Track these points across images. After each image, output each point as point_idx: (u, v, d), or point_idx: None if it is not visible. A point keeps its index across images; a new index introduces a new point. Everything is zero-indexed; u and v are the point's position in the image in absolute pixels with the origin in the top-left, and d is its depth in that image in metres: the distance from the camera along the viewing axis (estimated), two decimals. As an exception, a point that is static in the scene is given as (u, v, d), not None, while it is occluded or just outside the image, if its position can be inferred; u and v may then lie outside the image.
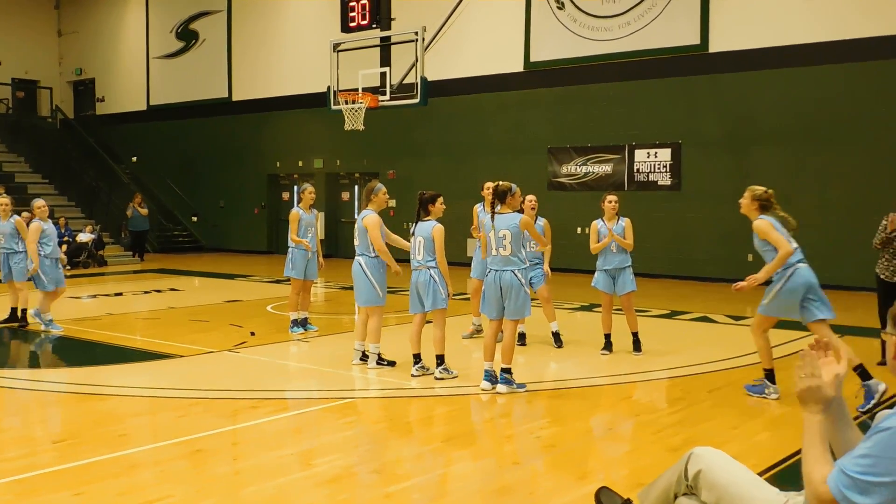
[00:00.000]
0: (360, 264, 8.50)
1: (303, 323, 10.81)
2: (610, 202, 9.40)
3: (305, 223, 10.71)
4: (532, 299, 7.95)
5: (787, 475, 5.21)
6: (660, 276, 17.56)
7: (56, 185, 25.39)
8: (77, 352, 10.28)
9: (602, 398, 7.80)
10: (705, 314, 12.70)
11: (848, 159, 15.63)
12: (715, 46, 17.11)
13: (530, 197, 9.66)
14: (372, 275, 8.45)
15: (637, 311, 12.20)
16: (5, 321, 11.50)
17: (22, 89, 29.82)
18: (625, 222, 9.36)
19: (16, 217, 11.64)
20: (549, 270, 9.88)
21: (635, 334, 9.42)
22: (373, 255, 8.49)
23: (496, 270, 7.61)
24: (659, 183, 17.95)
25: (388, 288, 8.83)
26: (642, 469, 5.48)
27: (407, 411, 7.37)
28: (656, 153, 17.95)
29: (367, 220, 8.45)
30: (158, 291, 15.89)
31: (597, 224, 9.44)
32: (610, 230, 9.26)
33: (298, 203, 10.90)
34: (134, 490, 5.04)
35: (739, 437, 6.22)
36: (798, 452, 5.61)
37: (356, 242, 8.57)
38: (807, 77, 16.04)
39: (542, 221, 9.74)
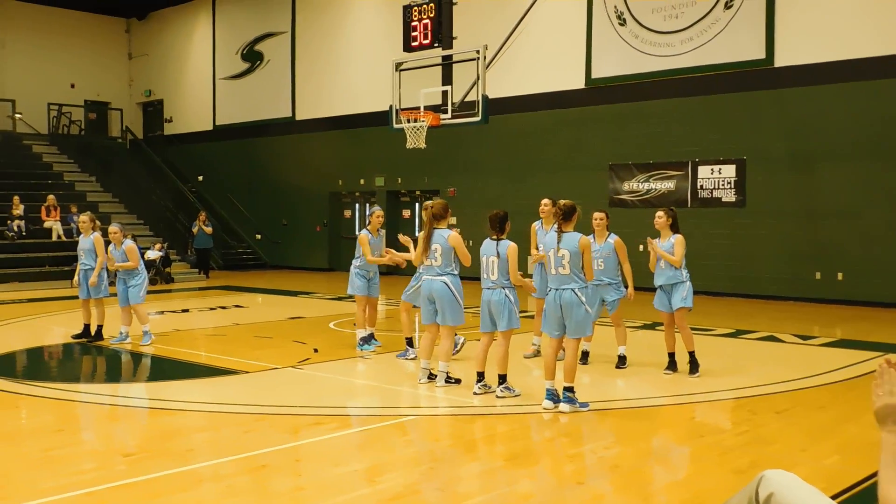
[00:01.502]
0: (448, 284, 8.43)
1: (368, 338, 10.90)
2: (656, 218, 9.31)
3: (372, 247, 10.76)
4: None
5: (859, 500, 5.08)
6: (723, 294, 17.28)
7: (125, 204, 26.06)
8: (146, 367, 10.51)
9: (666, 418, 7.69)
10: (771, 333, 12.45)
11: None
12: (780, 61, 16.86)
13: (597, 214, 9.60)
14: (458, 293, 8.45)
15: (700, 329, 12.13)
16: (78, 336, 11.80)
17: (94, 111, 30.76)
18: (675, 238, 9.21)
19: (95, 234, 11.89)
20: (632, 292, 9.53)
21: (691, 354, 9.22)
22: (456, 272, 8.49)
23: (556, 289, 7.59)
24: (723, 199, 17.70)
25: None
26: (707, 492, 5.39)
27: (469, 429, 7.37)
28: (720, 169, 17.72)
29: (453, 240, 8.42)
30: (223, 308, 16.17)
31: (651, 241, 9.35)
32: (652, 244, 9.14)
33: (367, 225, 10.96)
34: (201, 504, 5.13)
35: (808, 459, 6.08)
36: (872, 477, 5.47)
37: (435, 262, 8.52)
38: (876, 91, 15.70)
39: (612, 239, 9.56)
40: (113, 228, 11.53)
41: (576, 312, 7.49)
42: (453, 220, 21.19)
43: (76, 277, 11.78)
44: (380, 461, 6.22)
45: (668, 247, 9.17)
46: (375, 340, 11.01)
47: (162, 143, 30.47)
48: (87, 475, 5.68)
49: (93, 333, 11.72)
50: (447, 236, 8.45)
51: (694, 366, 9.19)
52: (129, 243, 11.40)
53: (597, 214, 9.53)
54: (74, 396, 8.55)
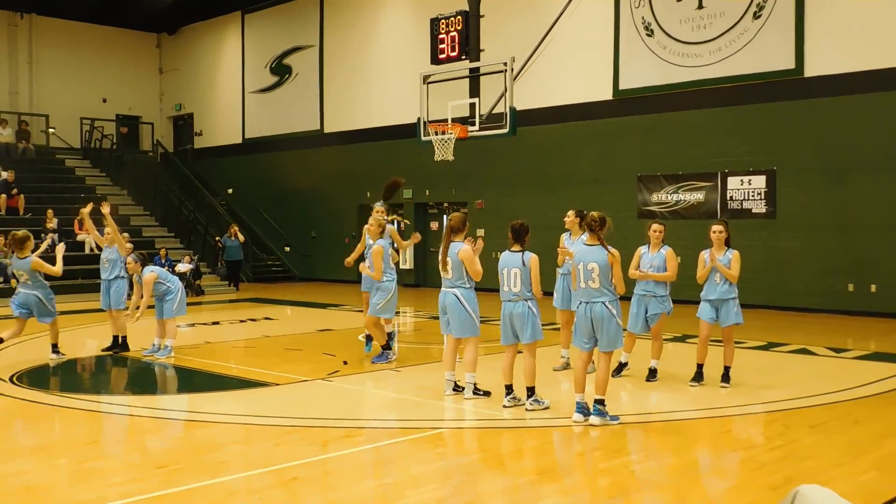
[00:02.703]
0: (458, 297, 8.49)
1: (388, 343, 11.05)
2: (715, 233, 9.23)
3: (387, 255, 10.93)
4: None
5: (897, 517, 5.00)
6: (754, 306, 17.05)
7: (156, 217, 26.30)
8: (177, 379, 10.59)
9: (699, 432, 7.62)
10: (804, 346, 12.31)
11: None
12: (811, 71, 16.72)
13: (655, 226, 9.55)
14: (470, 306, 8.47)
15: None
16: (107, 349, 11.92)
17: (125, 125, 31.14)
18: (732, 254, 9.16)
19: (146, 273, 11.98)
20: (644, 274, 9.40)
21: (728, 367, 9.20)
22: (468, 286, 8.51)
23: (586, 303, 7.55)
24: (753, 211, 17.56)
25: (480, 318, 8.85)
26: (742, 507, 5.34)
27: (498, 443, 7.35)
28: (750, 181, 17.58)
29: (463, 254, 8.46)
30: (253, 320, 16.26)
31: (703, 254, 9.25)
32: (713, 258, 9.09)
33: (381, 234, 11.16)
34: (233, 517, 5.15)
35: (845, 475, 5.99)
36: (909, 493, 5.39)
37: (449, 275, 8.58)
38: (909, 101, 15.51)
39: (664, 251, 9.44)
40: (129, 260, 11.62)
41: (607, 326, 7.46)
42: (481, 233, 21.23)
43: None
44: (409, 475, 6.22)
45: (726, 262, 9.10)
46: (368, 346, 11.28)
47: (192, 156, 30.78)
48: (121, 487, 5.73)
49: (118, 344, 11.84)
50: (458, 250, 8.47)
51: (727, 377, 9.14)
52: (145, 274, 11.39)
53: (654, 226, 9.52)
54: (107, 409, 8.63)
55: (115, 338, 11.93)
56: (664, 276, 9.26)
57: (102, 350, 11.96)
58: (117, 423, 8.11)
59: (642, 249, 9.51)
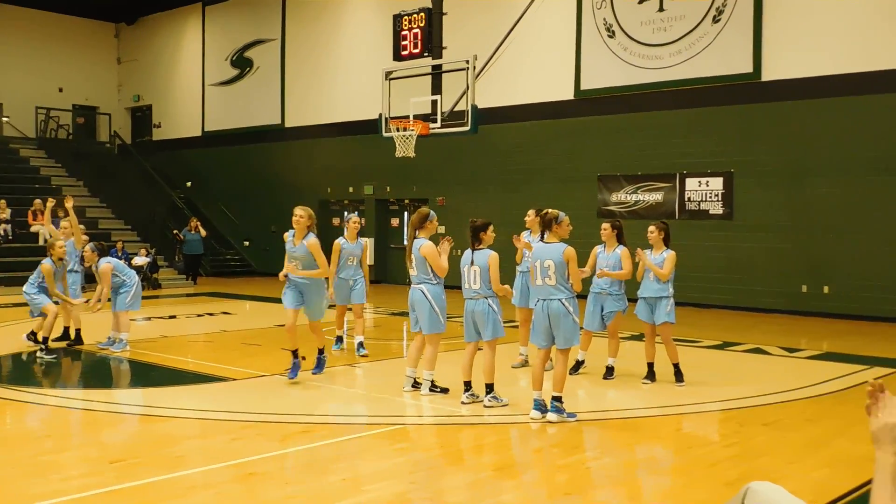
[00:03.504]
0: (424, 293, 8.48)
1: (358, 346, 10.99)
2: (649, 233, 9.39)
3: (347, 253, 10.97)
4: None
5: (846, 512, 5.11)
6: (711, 306, 17.35)
7: (113, 209, 25.95)
8: (133, 373, 10.46)
9: (655, 429, 7.71)
10: (759, 345, 12.51)
11: (906, 190, 15.36)
12: (768, 75, 16.98)
13: (604, 225, 9.64)
14: (436, 303, 8.47)
15: (688, 341, 12.19)
16: (58, 339, 11.70)
17: (82, 115, 30.65)
18: (667, 254, 9.29)
19: (71, 240, 11.85)
20: (602, 272, 9.39)
21: (676, 365, 9.32)
22: (435, 282, 8.51)
23: (544, 300, 7.61)
24: (710, 212, 17.79)
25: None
26: (697, 503, 5.42)
27: (457, 439, 7.37)
28: (708, 182, 17.81)
29: (425, 249, 8.47)
30: (211, 315, 16.12)
31: (641, 252, 9.40)
32: (641, 255, 9.21)
33: (345, 233, 11.16)
34: (190, 512, 5.11)
35: (796, 472, 6.11)
36: (858, 489, 5.52)
37: (413, 272, 8.59)
38: (864, 106, 15.82)
39: (619, 250, 9.47)
40: (87, 248, 11.48)
41: (564, 323, 7.51)
42: (441, 229, 21.23)
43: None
44: (368, 470, 6.22)
45: (660, 261, 9.23)
46: (363, 349, 11.04)
47: (150, 148, 30.39)
48: (76, 481, 5.66)
49: (72, 337, 11.67)
50: (419, 246, 8.49)
51: (679, 376, 9.26)
52: (101, 265, 11.26)
53: (604, 225, 9.60)
54: (62, 402, 8.51)
55: (67, 329, 11.77)
56: (621, 273, 9.35)
57: (54, 341, 11.76)
58: (72, 418, 8.01)
59: (598, 249, 9.59)
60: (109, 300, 11.30)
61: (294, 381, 9.12)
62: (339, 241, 11.04)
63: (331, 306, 10.53)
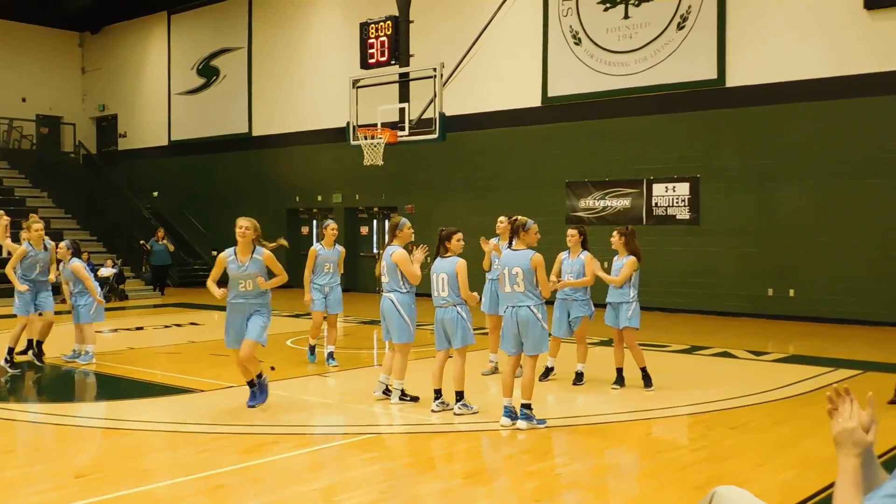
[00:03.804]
0: (393, 301, 8.46)
1: (328, 357, 10.88)
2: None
3: (323, 259, 10.83)
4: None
5: (813, 514, 5.15)
6: (679, 310, 17.49)
7: (78, 220, 25.65)
8: (99, 386, 10.32)
9: (624, 434, 7.74)
10: (726, 349, 12.61)
11: (870, 193, 15.57)
12: (732, 81, 17.17)
13: (570, 231, 9.68)
14: (405, 312, 8.43)
15: (656, 346, 12.27)
16: (22, 352, 11.50)
17: (46, 125, 30.27)
18: (584, 256, 9.39)
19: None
20: (565, 282, 9.40)
21: (642, 369, 9.38)
22: (404, 291, 8.47)
23: (512, 307, 7.62)
24: (677, 217, 17.94)
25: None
26: (666, 507, 5.45)
27: (428, 447, 7.35)
28: (674, 187, 17.96)
29: (397, 256, 8.45)
30: (179, 326, 15.97)
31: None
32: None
33: (320, 240, 11.03)
34: (157, 526, 5.04)
35: (764, 474, 6.15)
36: (823, 491, 5.57)
37: (384, 279, 8.57)
38: (825, 111, 16.04)
39: (584, 255, 9.50)
40: (62, 245, 11.33)
41: (532, 330, 7.52)
42: (412, 238, 21.19)
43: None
44: (338, 480, 6.18)
45: (619, 266, 9.33)
46: (333, 360, 10.93)
47: (116, 158, 30.09)
48: (39, 497, 5.56)
49: (35, 349, 11.48)
50: (391, 253, 8.47)
51: (647, 380, 9.31)
52: (73, 263, 11.16)
53: (570, 231, 9.64)
54: (24, 417, 8.38)
55: (30, 342, 11.59)
56: (583, 281, 9.38)
57: (19, 354, 11.57)
58: (35, 432, 7.88)
59: (563, 255, 9.63)
60: (69, 313, 11.15)
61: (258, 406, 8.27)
62: (316, 248, 10.87)
63: (306, 315, 10.46)
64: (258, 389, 8.34)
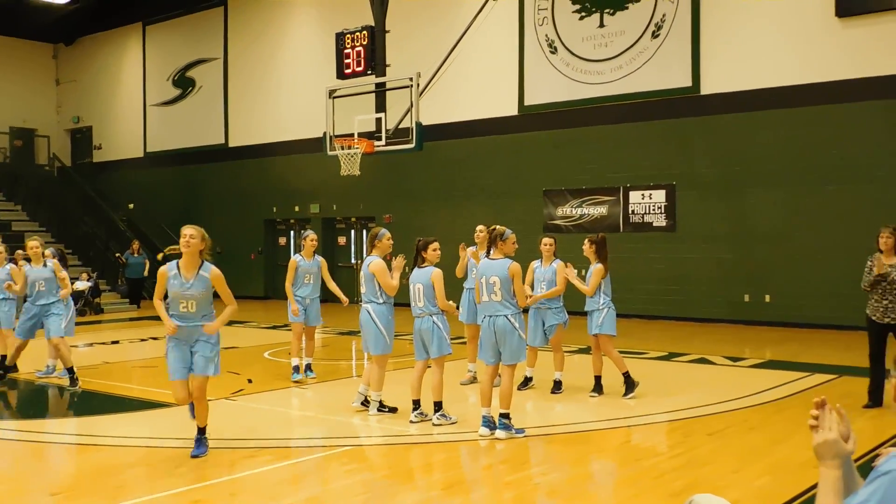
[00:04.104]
0: (369, 312, 8.45)
1: (306, 368, 10.78)
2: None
3: (303, 271, 10.68)
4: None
5: (789, 520, 5.18)
6: (657, 317, 17.56)
7: (53, 233, 25.41)
8: (73, 401, 10.21)
9: (602, 442, 7.76)
10: (703, 356, 12.68)
11: (842, 199, 15.73)
12: (707, 88, 17.31)
13: (546, 240, 9.70)
14: (381, 322, 8.41)
15: (634, 353, 12.32)
16: None
17: (20, 138, 29.99)
18: (556, 264, 9.43)
19: (11, 265, 11.57)
20: (536, 297, 9.51)
21: (624, 374, 9.35)
22: (381, 301, 8.46)
23: (490, 316, 7.62)
24: (654, 224, 18.03)
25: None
26: (643, 515, 5.46)
27: (406, 458, 7.33)
28: (651, 195, 18.06)
29: (374, 266, 8.44)
30: (155, 339, 15.83)
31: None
32: (568, 274, 9.33)
33: (299, 251, 10.89)
34: (132, 543, 4.99)
35: (740, 481, 6.18)
36: (798, 497, 5.60)
37: (363, 290, 8.56)
38: (799, 118, 16.20)
39: (556, 264, 9.55)
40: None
41: (510, 339, 7.53)
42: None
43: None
44: (316, 494, 6.16)
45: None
46: (311, 372, 10.85)
47: (91, 170, 29.85)
48: (11, 516, 5.49)
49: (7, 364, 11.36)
50: (368, 263, 8.47)
51: (629, 387, 9.32)
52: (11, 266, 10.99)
53: (545, 240, 9.67)
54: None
55: (3, 357, 11.46)
56: (554, 291, 9.40)
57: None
58: (7, 448, 7.77)
59: (535, 264, 9.64)
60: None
61: (199, 456, 6.95)
62: (296, 259, 10.67)
63: (283, 326, 10.34)
64: (196, 444, 7.01)
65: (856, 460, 3.28)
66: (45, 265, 10.75)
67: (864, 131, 15.58)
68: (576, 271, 9.48)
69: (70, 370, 10.56)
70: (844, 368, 11.02)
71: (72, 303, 11.37)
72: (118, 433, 8.14)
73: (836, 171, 15.83)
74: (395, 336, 8.67)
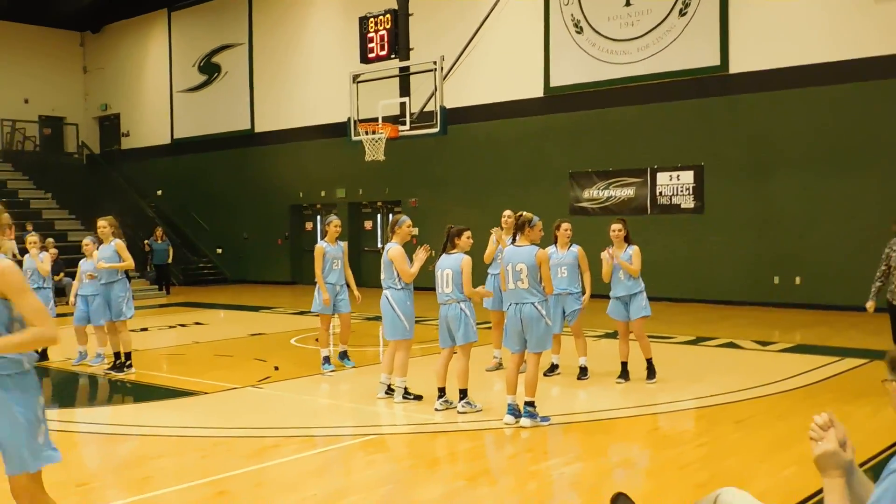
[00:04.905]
0: (388, 298, 8.48)
1: (341, 356, 10.68)
2: (614, 231, 9.40)
3: (331, 257, 10.48)
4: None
5: (816, 512, 5.10)
6: (683, 300, 17.41)
7: (82, 221, 25.64)
8: (101, 390, 10.32)
9: (627, 431, 7.70)
10: (731, 339, 12.55)
11: (876, 180, 15.46)
12: (735, 67, 17.05)
13: (566, 225, 9.62)
14: (399, 308, 8.42)
15: (661, 337, 12.23)
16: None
17: (49, 126, 30.29)
18: (633, 249, 9.32)
19: (44, 254, 11.74)
20: (587, 300, 9.58)
21: (649, 361, 9.37)
22: (399, 287, 8.45)
23: (516, 304, 7.57)
24: (682, 206, 17.85)
25: (416, 319, 8.79)
26: (668, 507, 5.41)
27: (431, 448, 7.32)
28: (678, 176, 17.87)
29: (392, 253, 8.45)
30: (183, 326, 15.98)
31: (548, 251, 9.47)
32: (615, 255, 9.24)
33: (324, 237, 10.78)
34: (156, 536, 5.03)
35: (767, 471, 6.10)
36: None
37: (382, 276, 8.57)
38: (830, 97, 15.92)
39: (575, 248, 9.57)
40: (86, 241, 11.28)
41: (536, 327, 7.48)
42: (415, 231, 21.17)
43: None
44: (340, 484, 6.16)
45: (627, 258, 9.26)
46: (348, 360, 10.75)
47: (119, 158, 30.09)
48: (38, 509, 5.53)
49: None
50: (387, 249, 8.49)
51: (651, 372, 9.30)
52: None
53: (564, 224, 9.58)
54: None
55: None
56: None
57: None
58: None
59: (551, 250, 9.46)
60: (70, 315, 11.07)
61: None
62: (322, 245, 10.39)
63: (308, 312, 10.24)
64: None
65: (866, 462, 3.22)
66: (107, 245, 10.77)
67: (897, 109, 15.27)
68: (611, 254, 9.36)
69: (128, 355, 10.67)
70: (876, 353, 10.84)
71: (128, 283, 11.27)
72: (145, 422, 8.21)
73: (867, 151, 15.55)
74: (418, 321, 8.64)
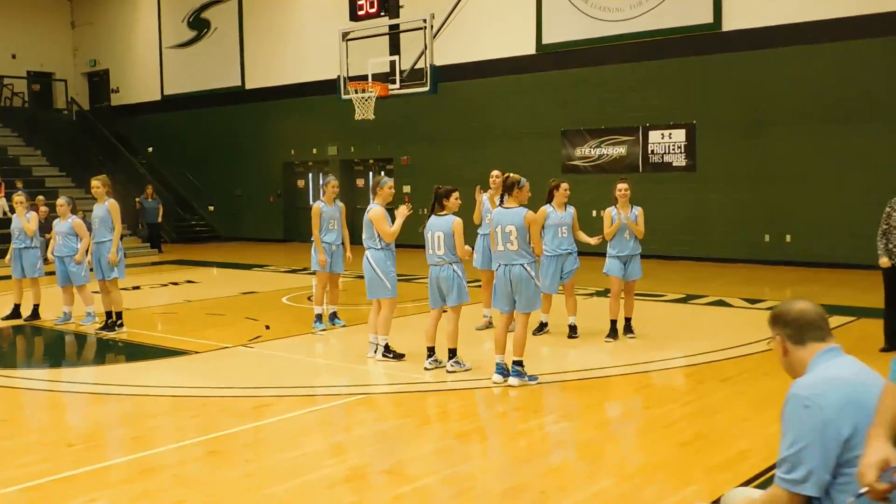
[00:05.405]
0: (368, 258, 8.61)
1: (331, 317, 10.75)
2: (620, 191, 9.41)
3: (327, 216, 10.50)
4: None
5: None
6: (676, 258, 17.47)
7: (73, 178, 25.52)
8: (92, 349, 10.34)
9: (614, 389, 7.78)
10: (721, 297, 12.62)
11: (866, 138, 15.44)
12: (728, 25, 16.92)
13: (565, 185, 9.62)
14: (380, 268, 8.50)
15: (652, 295, 12.31)
16: (7, 317, 11.61)
17: (37, 82, 29.96)
18: (638, 210, 9.39)
19: (31, 213, 11.71)
20: (595, 239, 9.57)
21: (628, 319, 9.60)
22: (379, 247, 8.54)
23: (505, 265, 7.59)
24: (674, 164, 17.83)
25: (403, 276, 8.84)
26: (653, 466, 5.48)
27: (420, 406, 7.38)
28: (670, 134, 17.82)
29: (372, 213, 8.54)
30: (175, 284, 15.99)
31: (610, 211, 9.47)
32: (628, 219, 9.32)
33: (322, 196, 10.73)
34: (147, 495, 5.09)
35: (751, 429, 6.18)
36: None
37: (364, 236, 8.64)
38: (822, 55, 15.83)
39: (571, 209, 9.60)
40: (60, 201, 11.24)
41: (525, 288, 7.51)
42: (407, 189, 21.17)
43: (7, 256, 11.70)
44: (330, 443, 6.23)
45: (633, 218, 9.35)
46: (339, 319, 10.81)
47: (109, 114, 29.83)
48: (30, 468, 5.59)
49: (29, 313, 11.54)
50: (368, 210, 8.62)
51: (630, 328, 9.62)
52: (74, 219, 11.11)
53: (563, 185, 9.59)
54: (17, 383, 8.40)
55: (17, 306, 11.68)
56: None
57: (3, 318, 11.65)
58: (27, 399, 7.90)
59: (548, 209, 9.49)
60: (52, 273, 11.10)
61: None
62: (319, 205, 10.45)
63: (302, 270, 10.30)
64: None
65: None
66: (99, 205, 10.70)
67: (891, 67, 15.20)
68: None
69: (119, 314, 10.73)
70: (864, 310, 10.94)
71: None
72: (136, 382, 8.25)
73: (859, 109, 15.51)
74: (403, 279, 8.67)
